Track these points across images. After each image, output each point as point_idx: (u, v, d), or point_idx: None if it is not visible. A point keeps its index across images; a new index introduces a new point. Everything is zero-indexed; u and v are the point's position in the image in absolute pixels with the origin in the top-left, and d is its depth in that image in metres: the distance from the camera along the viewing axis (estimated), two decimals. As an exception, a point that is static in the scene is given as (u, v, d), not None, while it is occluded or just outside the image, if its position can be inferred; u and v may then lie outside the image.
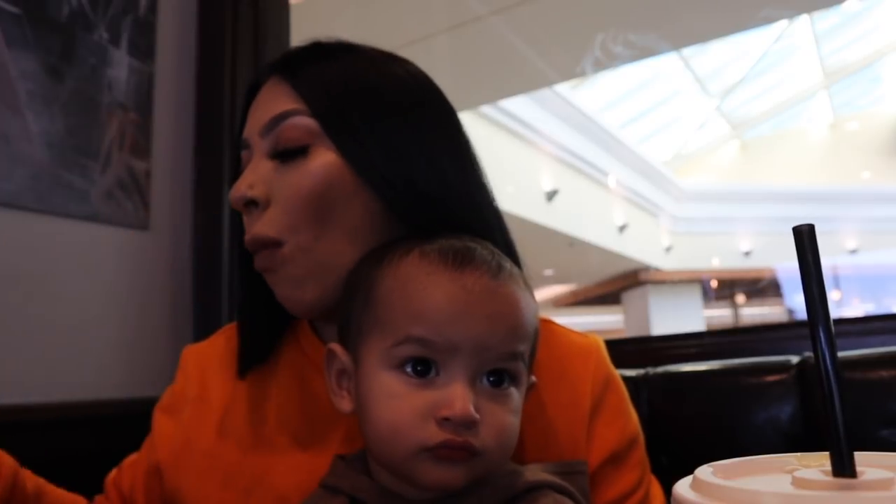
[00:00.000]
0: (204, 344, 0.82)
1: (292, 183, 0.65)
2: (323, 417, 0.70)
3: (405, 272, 0.57)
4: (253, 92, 0.72)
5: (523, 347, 0.56)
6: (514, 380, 0.56)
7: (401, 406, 0.53)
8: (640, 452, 0.73)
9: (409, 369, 0.54)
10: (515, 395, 0.56)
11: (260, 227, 0.65)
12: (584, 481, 0.62)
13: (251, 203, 0.66)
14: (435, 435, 0.51)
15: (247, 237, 0.67)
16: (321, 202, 0.64)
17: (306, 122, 0.66)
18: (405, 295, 0.55)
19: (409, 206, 0.65)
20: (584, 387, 0.69)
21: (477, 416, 0.51)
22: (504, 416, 0.54)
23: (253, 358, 0.75)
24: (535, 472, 0.59)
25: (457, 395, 0.52)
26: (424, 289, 0.55)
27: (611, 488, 0.68)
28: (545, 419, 0.68)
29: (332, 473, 0.61)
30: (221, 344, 0.80)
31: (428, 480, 0.53)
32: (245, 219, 0.68)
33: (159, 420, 0.78)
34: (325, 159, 0.65)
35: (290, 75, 0.68)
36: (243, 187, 0.66)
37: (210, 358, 0.79)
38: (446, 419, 0.51)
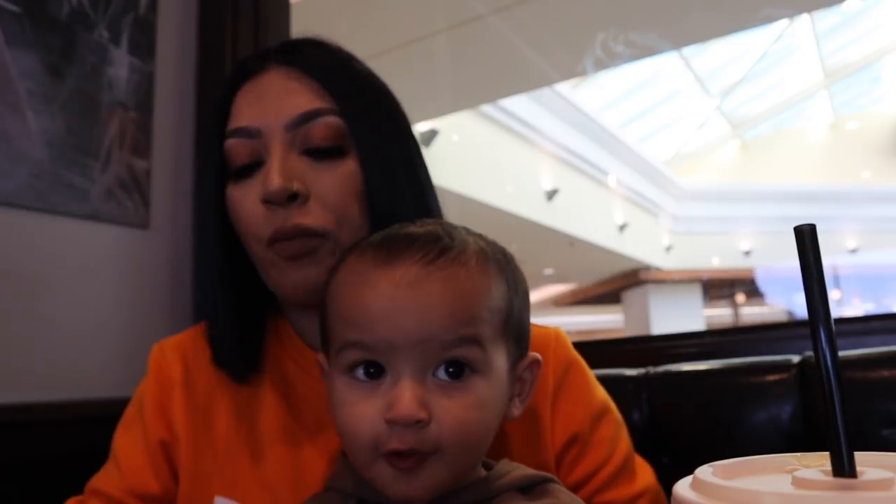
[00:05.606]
0: (175, 338, 0.80)
1: (334, 183, 0.67)
2: (309, 421, 0.70)
3: (342, 275, 0.56)
4: (245, 77, 0.71)
5: (474, 331, 0.52)
6: (476, 368, 0.52)
7: (354, 413, 0.52)
8: (609, 430, 0.73)
9: (360, 373, 0.52)
10: (479, 384, 0.52)
11: (303, 218, 0.66)
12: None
13: (293, 197, 0.66)
14: (386, 440, 0.50)
15: (287, 224, 0.66)
16: (360, 203, 0.68)
17: (337, 122, 0.68)
18: (339, 299, 0.55)
19: (385, 205, 0.69)
20: (545, 369, 0.70)
21: (422, 414, 0.49)
22: (461, 412, 0.51)
23: (252, 365, 0.73)
24: (523, 468, 0.57)
25: (399, 396, 0.49)
26: (354, 290, 0.54)
27: (577, 467, 0.70)
28: None
29: (337, 473, 0.60)
30: (191, 340, 0.78)
31: (390, 493, 0.51)
32: (271, 208, 0.66)
33: (149, 404, 0.74)
34: (355, 163, 0.69)
35: (309, 70, 0.70)
36: (283, 180, 0.65)
37: (187, 350, 0.77)
38: (393, 421, 0.49)
